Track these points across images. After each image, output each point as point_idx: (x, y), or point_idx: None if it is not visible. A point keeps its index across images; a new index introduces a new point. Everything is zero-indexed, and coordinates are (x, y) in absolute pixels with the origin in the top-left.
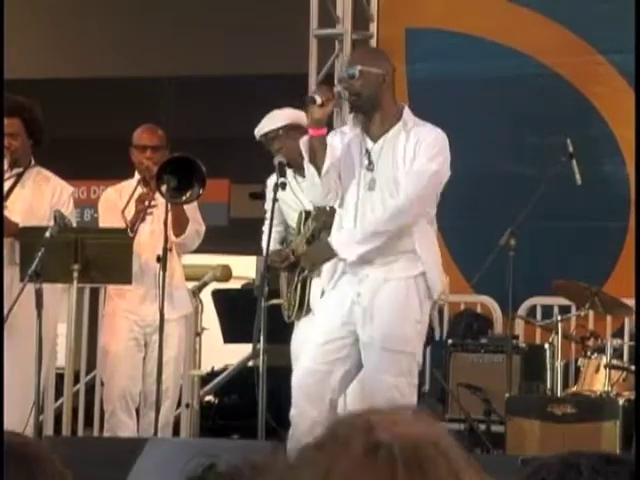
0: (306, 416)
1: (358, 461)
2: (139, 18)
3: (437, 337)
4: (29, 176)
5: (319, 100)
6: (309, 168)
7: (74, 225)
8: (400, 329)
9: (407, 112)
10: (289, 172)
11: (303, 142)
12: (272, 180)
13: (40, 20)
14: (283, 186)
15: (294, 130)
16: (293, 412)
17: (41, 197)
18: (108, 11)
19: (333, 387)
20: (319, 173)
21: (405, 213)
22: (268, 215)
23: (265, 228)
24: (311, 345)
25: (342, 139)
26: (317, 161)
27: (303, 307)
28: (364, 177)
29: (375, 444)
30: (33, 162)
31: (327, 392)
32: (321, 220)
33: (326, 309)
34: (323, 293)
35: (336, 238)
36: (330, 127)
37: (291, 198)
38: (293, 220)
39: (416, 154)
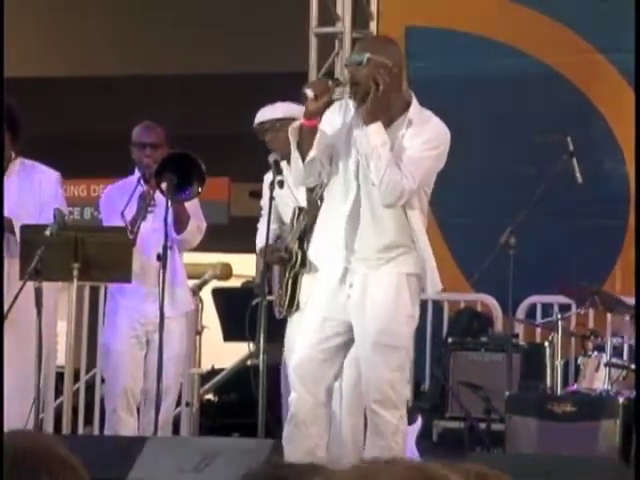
0: (304, 402)
1: None
2: (139, 18)
3: None
4: (12, 168)
5: (310, 94)
6: (294, 152)
7: (65, 212)
8: (393, 324)
9: (414, 107)
10: (285, 167)
11: (292, 128)
12: (269, 177)
13: (40, 20)
14: (281, 184)
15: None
16: (292, 396)
17: (29, 186)
18: (108, 11)
19: (328, 375)
20: (303, 160)
21: (400, 187)
22: (264, 211)
23: (261, 225)
24: (306, 333)
25: (346, 115)
26: (303, 149)
27: (294, 303)
28: (362, 168)
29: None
30: (14, 155)
31: (322, 379)
32: (312, 215)
33: (320, 297)
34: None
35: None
36: None
37: (288, 195)
38: (288, 217)
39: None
